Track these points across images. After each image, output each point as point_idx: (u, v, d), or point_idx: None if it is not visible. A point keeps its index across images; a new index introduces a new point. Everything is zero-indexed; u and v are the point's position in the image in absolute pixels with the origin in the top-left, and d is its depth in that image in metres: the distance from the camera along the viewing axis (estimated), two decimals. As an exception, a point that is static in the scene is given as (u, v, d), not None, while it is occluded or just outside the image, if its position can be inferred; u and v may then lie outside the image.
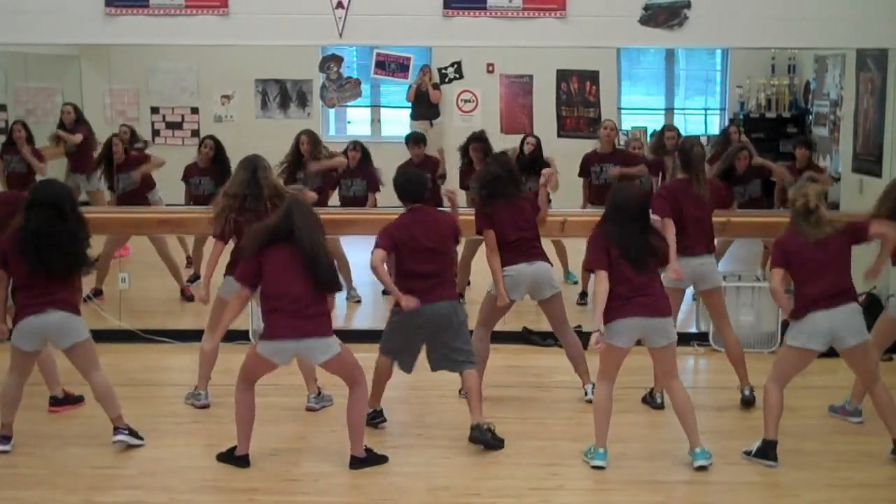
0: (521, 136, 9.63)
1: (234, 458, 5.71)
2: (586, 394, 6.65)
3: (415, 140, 9.99)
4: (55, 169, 10.57)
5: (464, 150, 9.50)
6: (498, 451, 5.92)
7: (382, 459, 5.73)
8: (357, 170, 9.53)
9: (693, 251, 6.52)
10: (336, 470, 5.64)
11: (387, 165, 13.67)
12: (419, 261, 5.96)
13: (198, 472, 5.66)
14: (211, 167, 9.49)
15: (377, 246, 5.92)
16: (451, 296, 6.12)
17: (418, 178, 6.27)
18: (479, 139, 9.30)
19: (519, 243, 6.60)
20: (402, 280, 5.99)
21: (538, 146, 9.32)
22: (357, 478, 5.41)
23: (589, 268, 5.84)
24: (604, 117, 10.52)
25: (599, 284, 5.60)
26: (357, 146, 9.70)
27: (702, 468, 5.62)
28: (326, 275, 5.55)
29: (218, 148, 9.61)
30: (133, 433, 5.97)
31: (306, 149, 9.35)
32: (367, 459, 5.68)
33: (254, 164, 6.42)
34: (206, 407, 6.57)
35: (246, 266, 5.63)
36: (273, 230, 5.55)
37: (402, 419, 6.54)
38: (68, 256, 5.81)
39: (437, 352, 6.11)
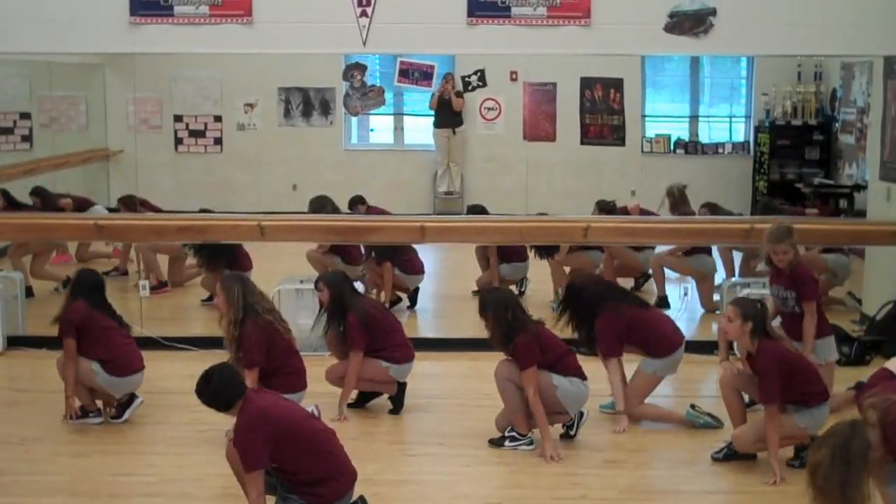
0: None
1: None
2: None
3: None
4: None
5: None
6: (520, 460, 5.89)
7: None
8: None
9: None
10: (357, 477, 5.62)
11: (410, 174, 13.82)
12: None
13: (218, 480, 5.64)
14: None
15: None
16: None
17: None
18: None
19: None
20: None
21: None
22: (377, 486, 5.38)
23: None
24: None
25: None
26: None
27: None
28: None
29: None
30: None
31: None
32: None
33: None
34: None
35: None
36: None
37: (423, 428, 6.51)
38: None
39: None
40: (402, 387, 6.69)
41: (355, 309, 6.54)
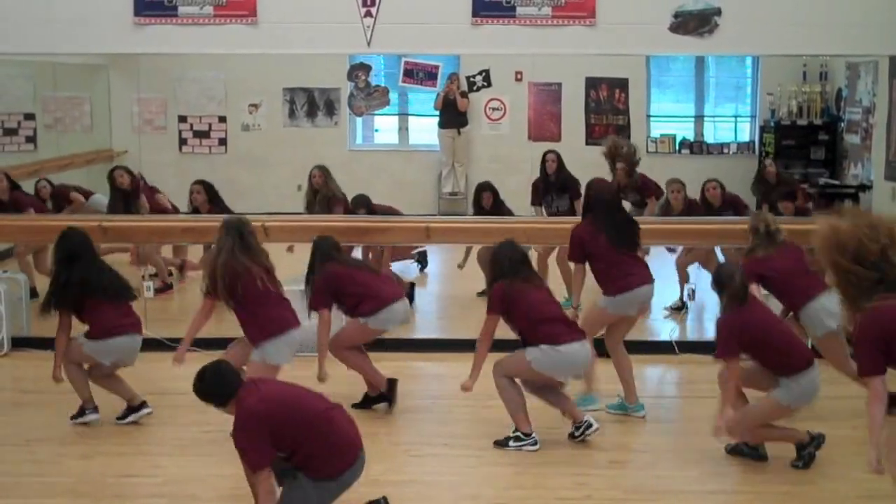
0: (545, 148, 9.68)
1: None
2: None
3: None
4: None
5: (475, 198, 9.60)
6: (525, 460, 5.87)
7: None
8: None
9: None
10: (362, 479, 5.60)
11: (415, 174, 13.80)
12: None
13: (223, 481, 5.64)
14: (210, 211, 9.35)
15: None
16: None
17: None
18: (489, 188, 9.48)
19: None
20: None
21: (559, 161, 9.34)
22: (382, 487, 5.37)
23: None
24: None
25: None
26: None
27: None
28: None
29: (210, 191, 9.39)
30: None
31: (318, 182, 9.46)
32: None
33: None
34: None
35: None
36: None
37: (428, 428, 6.50)
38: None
39: None
40: (392, 383, 6.70)
41: (320, 269, 6.65)
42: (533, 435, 6.02)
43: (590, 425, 6.07)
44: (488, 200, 9.51)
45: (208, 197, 9.33)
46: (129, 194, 9.67)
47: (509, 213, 9.42)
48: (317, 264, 6.70)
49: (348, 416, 4.91)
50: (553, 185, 9.46)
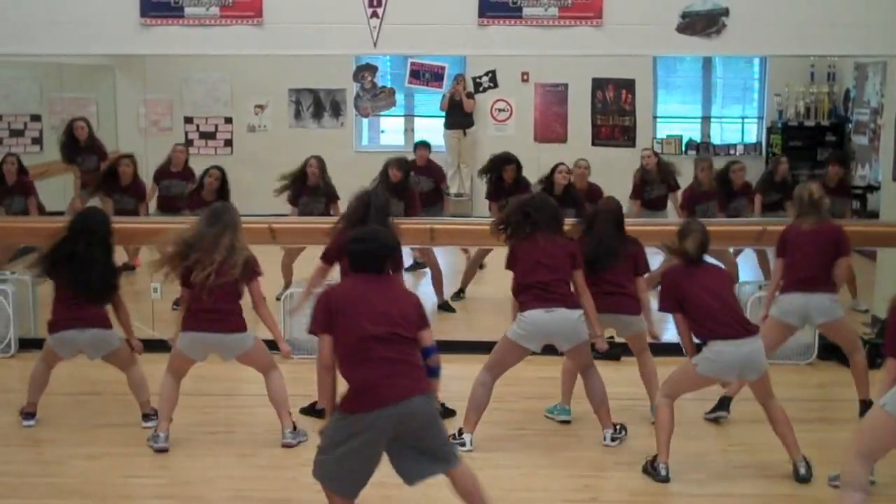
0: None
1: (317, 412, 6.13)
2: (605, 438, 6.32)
3: (422, 145, 10.28)
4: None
5: (494, 171, 9.52)
6: (531, 462, 5.85)
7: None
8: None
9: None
10: (368, 481, 5.60)
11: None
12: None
13: (230, 482, 5.64)
14: (216, 199, 9.28)
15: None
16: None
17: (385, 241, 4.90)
18: (513, 160, 9.41)
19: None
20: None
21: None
22: (386, 489, 5.36)
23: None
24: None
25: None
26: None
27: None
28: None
29: (224, 180, 9.27)
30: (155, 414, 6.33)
31: (314, 173, 9.44)
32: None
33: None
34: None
35: None
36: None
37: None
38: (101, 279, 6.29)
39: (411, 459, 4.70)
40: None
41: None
42: (466, 437, 6.03)
43: (624, 429, 6.21)
44: (511, 175, 9.40)
45: (219, 186, 9.19)
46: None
47: (527, 190, 8.99)
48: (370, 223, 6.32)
49: (405, 357, 4.54)
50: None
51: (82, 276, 6.24)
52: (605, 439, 6.17)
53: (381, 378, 4.47)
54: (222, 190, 9.18)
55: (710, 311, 5.54)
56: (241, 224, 6.16)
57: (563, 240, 6.18)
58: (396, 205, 8.57)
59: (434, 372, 4.69)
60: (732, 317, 5.56)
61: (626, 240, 6.59)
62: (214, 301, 5.96)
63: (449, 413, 6.29)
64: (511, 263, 6.16)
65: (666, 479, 5.58)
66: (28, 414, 6.48)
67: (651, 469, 5.66)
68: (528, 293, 6.00)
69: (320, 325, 4.63)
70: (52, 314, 6.36)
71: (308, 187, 9.50)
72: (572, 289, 6.09)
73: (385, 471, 5.50)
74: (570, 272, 6.08)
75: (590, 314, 6.10)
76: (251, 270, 6.08)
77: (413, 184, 9.61)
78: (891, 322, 4.87)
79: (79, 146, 10.40)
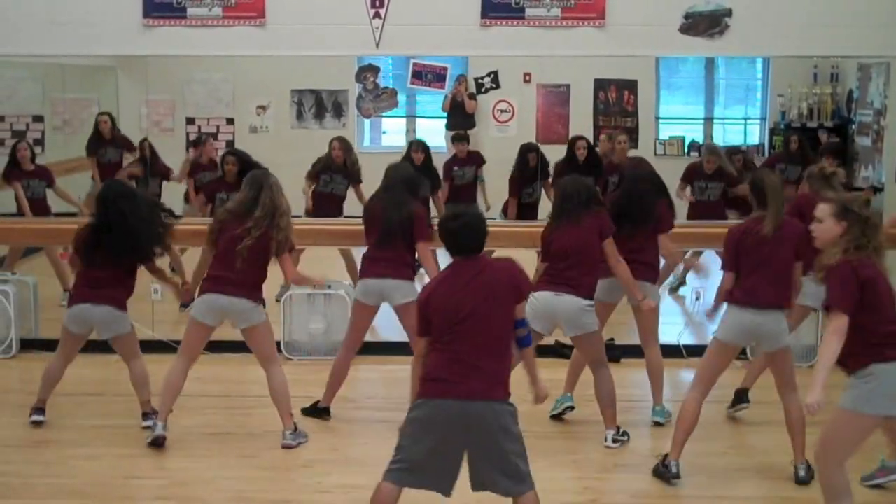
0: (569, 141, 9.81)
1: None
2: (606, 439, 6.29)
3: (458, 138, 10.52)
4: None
5: (520, 157, 9.73)
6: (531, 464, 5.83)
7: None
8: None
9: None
10: (369, 482, 5.54)
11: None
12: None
13: (230, 483, 5.64)
14: (238, 182, 9.28)
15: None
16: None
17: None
18: (536, 149, 9.72)
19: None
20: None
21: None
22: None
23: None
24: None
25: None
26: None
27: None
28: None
29: (242, 162, 9.27)
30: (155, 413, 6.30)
31: (338, 154, 9.45)
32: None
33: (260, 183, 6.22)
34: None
35: None
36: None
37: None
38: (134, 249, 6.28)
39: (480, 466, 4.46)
40: None
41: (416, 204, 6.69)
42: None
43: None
44: (533, 161, 9.66)
45: (239, 168, 8.97)
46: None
47: (546, 171, 9.67)
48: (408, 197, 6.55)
49: (497, 348, 4.38)
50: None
51: (130, 241, 6.21)
52: (605, 440, 6.15)
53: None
54: (243, 172, 9.09)
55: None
56: (279, 186, 6.21)
57: (589, 218, 6.10)
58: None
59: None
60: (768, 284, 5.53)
61: (657, 198, 6.59)
62: (240, 265, 5.99)
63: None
64: (542, 256, 6.25)
65: (676, 476, 5.56)
66: (37, 409, 6.47)
67: (662, 467, 5.64)
68: (542, 278, 6.11)
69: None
70: (72, 290, 6.48)
71: (331, 166, 9.61)
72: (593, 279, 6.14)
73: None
74: (596, 250, 6.06)
75: (626, 282, 6.18)
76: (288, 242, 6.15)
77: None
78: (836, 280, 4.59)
79: (103, 139, 10.45)
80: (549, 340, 7.82)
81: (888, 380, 4.48)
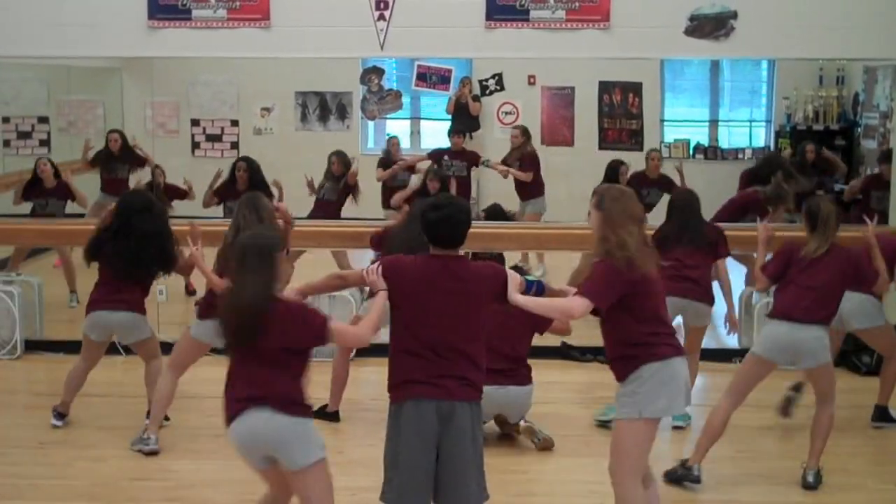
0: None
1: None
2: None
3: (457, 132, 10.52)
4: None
5: None
6: (537, 467, 5.84)
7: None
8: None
9: None
10: (373, 484, 5.54)
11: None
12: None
13: (237, 486, 5.62)
14: (249, 189, 9.27)
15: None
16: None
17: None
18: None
19: None
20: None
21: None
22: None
23: None
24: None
25: None
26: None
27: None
28: None
29: (252, 170, 9.19)
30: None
31: (336, 168, 9.65)
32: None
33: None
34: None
35: None
36: None
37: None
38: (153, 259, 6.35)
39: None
40: None
41: None
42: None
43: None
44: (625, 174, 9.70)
45: (249, 176, 9.07)
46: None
47: None
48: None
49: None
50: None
51: (143, 252, 6.24)
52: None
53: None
54: (253, 179, 9.10)
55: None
56: (267, 205, 6.27)
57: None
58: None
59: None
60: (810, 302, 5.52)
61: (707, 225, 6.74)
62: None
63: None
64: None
65: (698, 480, 5.58)
66: (59, 414, 6.48)
67: (683, 470, 5.64)
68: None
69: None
70: (91, 295, 6.43)
71: (328, 177, 9.73)
72: None
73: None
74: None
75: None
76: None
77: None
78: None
79: (112, 155, 10.43)
80: (554, 342, 7.84)
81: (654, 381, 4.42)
